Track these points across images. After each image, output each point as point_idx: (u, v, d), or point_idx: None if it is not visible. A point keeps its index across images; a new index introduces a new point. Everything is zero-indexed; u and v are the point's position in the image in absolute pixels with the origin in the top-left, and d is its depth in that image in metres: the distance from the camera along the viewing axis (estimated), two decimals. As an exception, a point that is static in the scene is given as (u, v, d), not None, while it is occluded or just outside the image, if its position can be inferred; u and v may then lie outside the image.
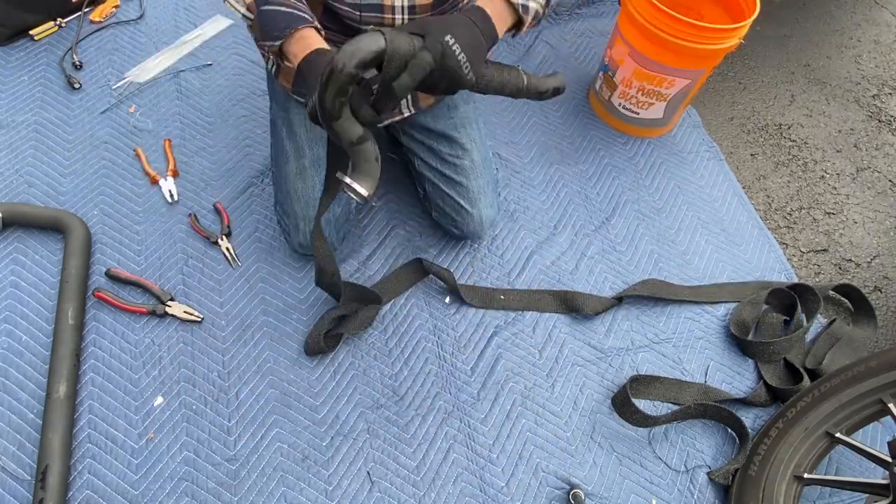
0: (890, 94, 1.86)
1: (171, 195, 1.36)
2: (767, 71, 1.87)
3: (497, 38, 0.86)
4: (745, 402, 1.22)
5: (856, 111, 1.81)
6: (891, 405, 1.04)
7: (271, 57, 1.05)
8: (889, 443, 1.02)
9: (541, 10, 0.92)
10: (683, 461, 1.16)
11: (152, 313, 1.19)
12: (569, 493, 1.10)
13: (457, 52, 0.77)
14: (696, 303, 1.36)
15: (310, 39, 0.88)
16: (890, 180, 1.67)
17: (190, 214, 1.33)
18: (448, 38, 0.77)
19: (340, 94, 0.75)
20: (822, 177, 1.65)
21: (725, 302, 1.37)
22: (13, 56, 1.53)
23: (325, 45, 0.88)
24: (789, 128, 1.74)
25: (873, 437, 1.22)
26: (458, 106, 1.24)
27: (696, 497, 1.13)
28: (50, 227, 1.26)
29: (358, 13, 1.00)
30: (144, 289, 1.22)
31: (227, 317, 1.22)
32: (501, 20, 0.87)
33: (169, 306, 1.20)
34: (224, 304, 1.24)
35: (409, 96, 1.14)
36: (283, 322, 1.23)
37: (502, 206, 1.44)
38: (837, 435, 1.06)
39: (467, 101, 1.27)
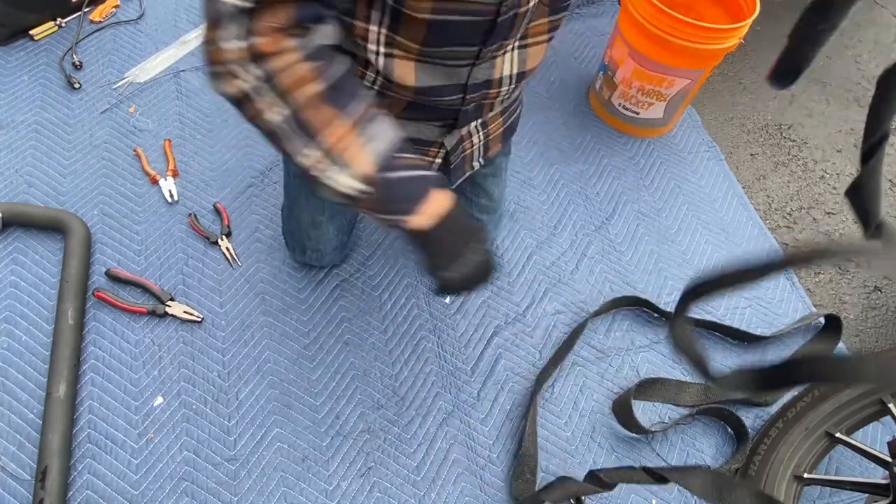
0: (890, 94, 1.86)
1: (171, 195, 1.36)
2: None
3: None
4: (745, 402, 1.22)
5: (856, 111, 1.81)
6: (891, 405, 1.04)
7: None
8: (889, 443, 1.02)
9: None
10: (683, 461, 1.16)
11: (152, 313, 1.19)
12: (569, 493, 1.10)
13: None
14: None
15: (442, 200, 0.74)
16: (890, 180, 1.67)
17: (190, 214, 1.33)
18: None
19: None
20: (822, 177, 1.65)
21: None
22: (13, 56, 1.53)
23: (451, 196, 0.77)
24: (789, 128, 1.74)
25: (873, 437, 1.22)
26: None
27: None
28: (50, 227, 1.26)
29: (461, 95, 0.85)
30: (144, 289, 1.22)
31: (227, 317, 1.22)
32: None
33: (169, 306, 1.20)
34: (224, 304, 1.24)
35: (482, 151, 1.07)
36: (283, 322, 1.23)
37: (502, 206, 1.44)
38: (837, 435, 1.06)
39: (507, 153, 1.25)
